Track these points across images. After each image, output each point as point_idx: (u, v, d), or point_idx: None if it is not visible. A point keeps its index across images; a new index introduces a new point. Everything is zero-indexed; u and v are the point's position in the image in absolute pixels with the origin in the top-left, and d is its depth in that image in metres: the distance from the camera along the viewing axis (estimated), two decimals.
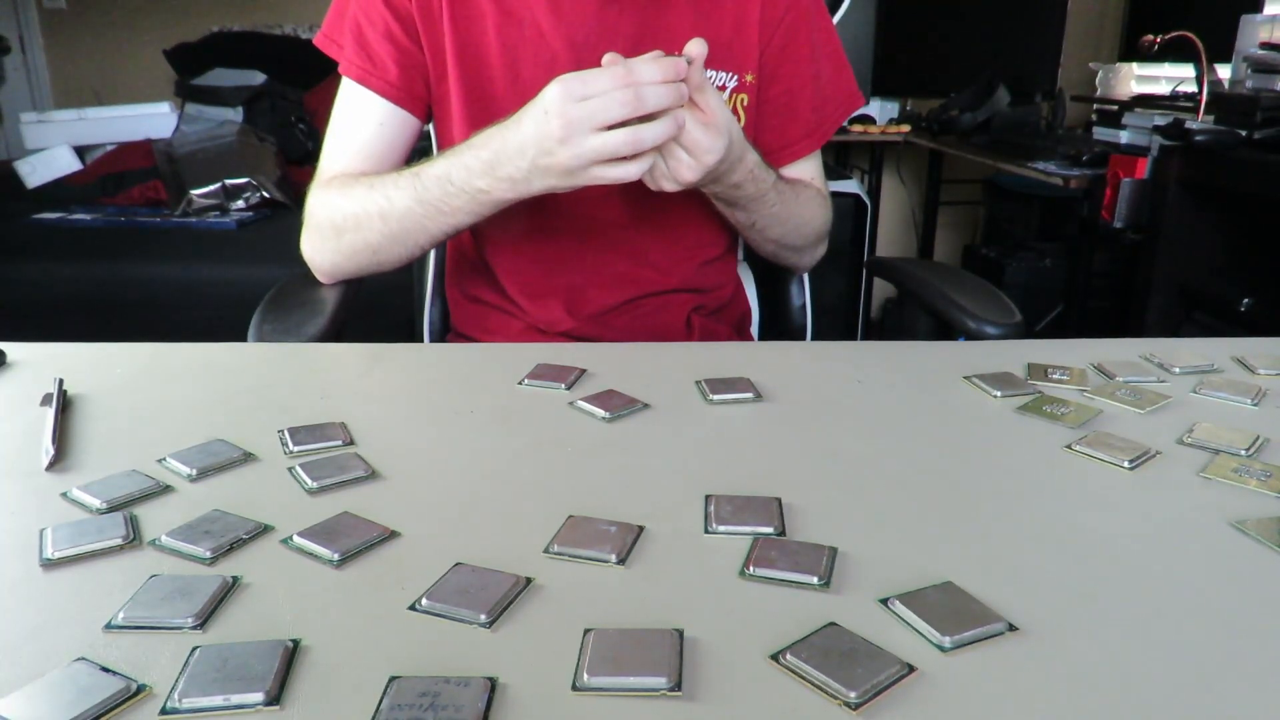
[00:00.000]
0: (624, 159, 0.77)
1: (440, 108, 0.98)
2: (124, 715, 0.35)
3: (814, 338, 1.21)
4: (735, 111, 0.99)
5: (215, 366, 0.74)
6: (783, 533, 0.49)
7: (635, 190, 0.87)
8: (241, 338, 0.84)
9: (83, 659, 0.38)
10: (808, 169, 1.06)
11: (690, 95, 0.79)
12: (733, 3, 0.97)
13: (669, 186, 0.83)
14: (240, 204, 2.51)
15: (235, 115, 2.85)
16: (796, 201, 0.99)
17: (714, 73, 0.97)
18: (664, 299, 1.03)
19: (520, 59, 0.94)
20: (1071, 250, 2.61)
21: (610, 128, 0.75)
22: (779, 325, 1.22)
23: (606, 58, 0.77)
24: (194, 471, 0.55)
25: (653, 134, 0.76)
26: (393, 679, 0.37)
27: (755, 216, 0.96)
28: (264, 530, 0.48)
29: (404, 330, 1.25)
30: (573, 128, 0.75)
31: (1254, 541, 0.49)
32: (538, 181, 0.80)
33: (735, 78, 0.98)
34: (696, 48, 0.79)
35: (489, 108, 0.84)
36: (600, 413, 0.65)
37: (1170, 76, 2.62)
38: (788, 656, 0.38)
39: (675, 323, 1.04)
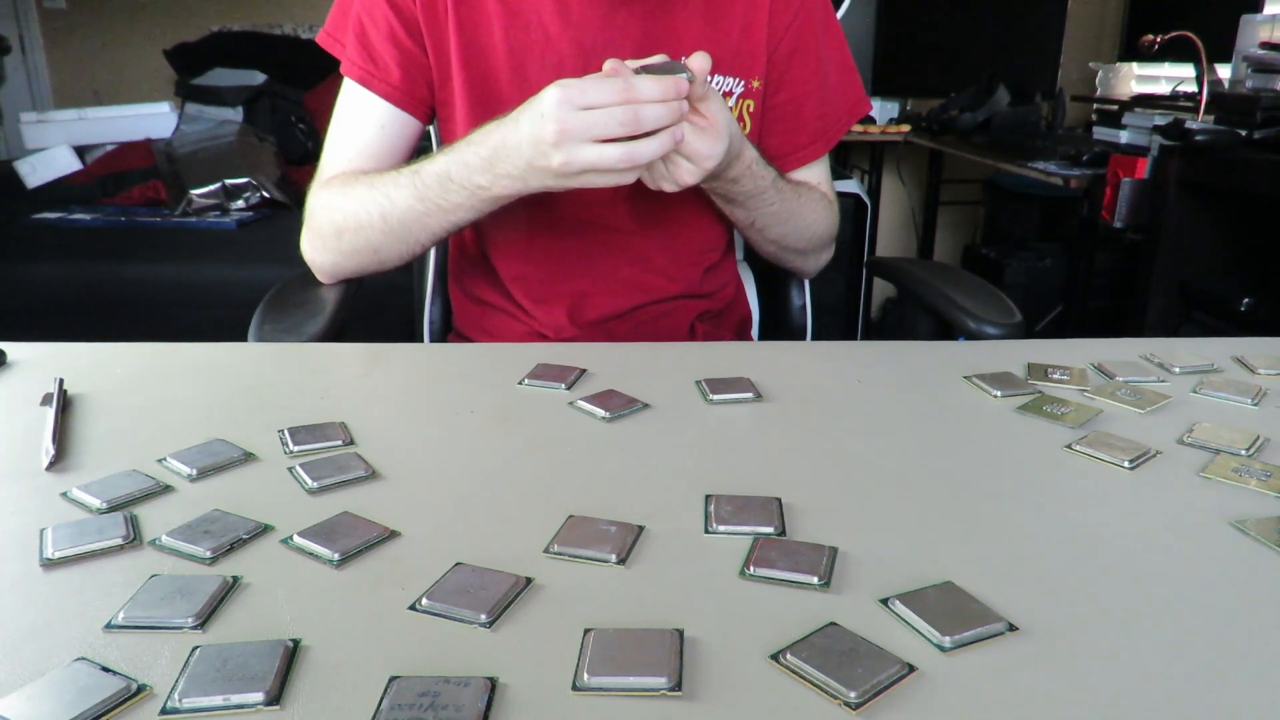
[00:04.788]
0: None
1: (444, 110, 0.98)
2: (124, 715, 0.35)
3: (814, 338, 1.21)
4: (741, 118, 0.99)
5: (215, 366, 0.74)
6: (783, 533, 0.49)
7: (640, 195, 0.87)
8: (241, 338, 0.84)
9: (83, 659, 0.38)
10: (814, 174, 1.06)
11: (692, 104, 0.79)
12: (741, 8, 0.97)
13: (669, 187, 0.83)
14: (240, 204, 2.51)
15: (235, 115, 2.85)
16: (798, 201, 0.99)
17: (720, 78, 0.97)
18: (669, 305, 1.03)
19: (527, 62, 0.93)
20: (1071, 250, 2.61)
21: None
22: (779, 326, 1.22)
23: (608, 64, 0.77)
24: (194, 471, 0.55)
25: (648, 150, 0.76)
26: (393, 679, 0.37)
27: (755, 214, 0.96)
28: (264, 530, 0.48)
29: (404, 330, 1.25)
30: (568, 135, 0.75)
31: (1254, 541, 0.49)
32: (534, 180, 0.80)
33: (742, 83, 0.98)
34: (700, 62, 0.79)
35: (494, 111, 0.84)
36: (600, 413, 0.65)
37: (1170, 76, 2.62)
38: (788, 656, 0.38)
39: (679, 330, 1.04)
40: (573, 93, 0.74)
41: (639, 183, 0.83)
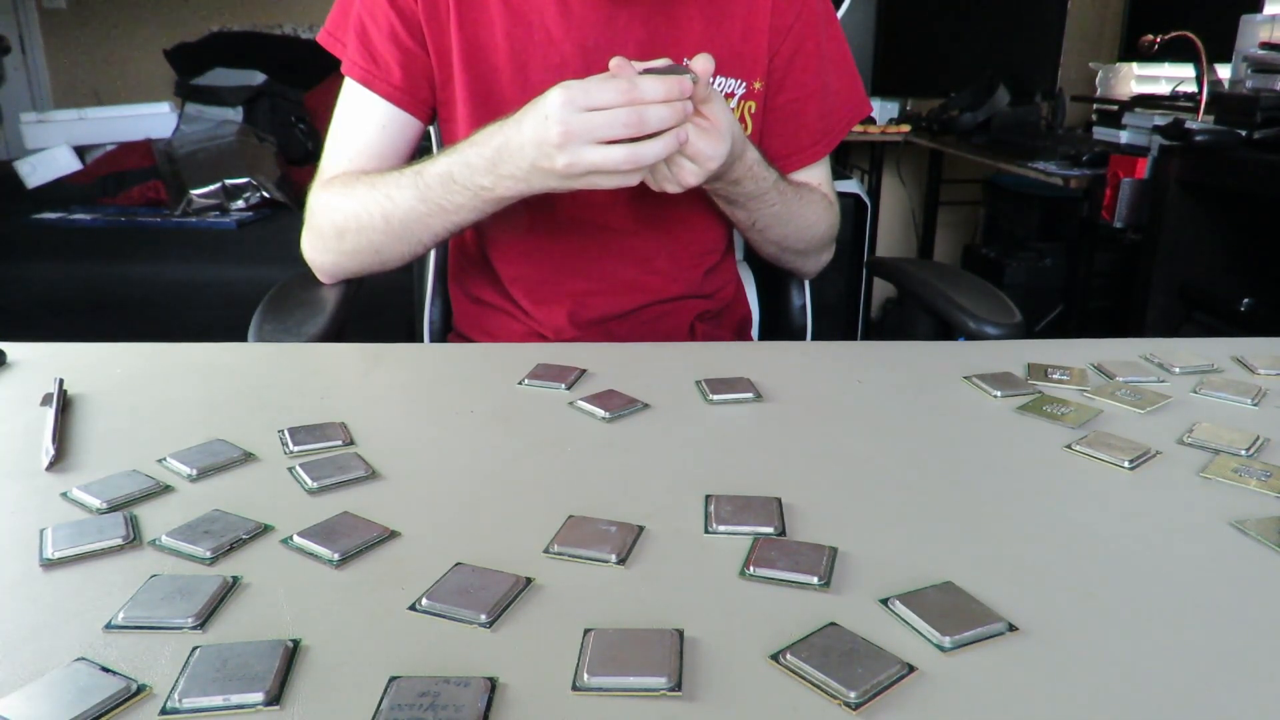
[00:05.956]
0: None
1: (445, 110, 0.97)
2: (124, 715, 0.35)
3: (814, 338, 1.21)
4: (742, 119, 0.99)
5: (215, 366, 0.74)
6: (783, 533, 0.49)
7: (641, 196, 0.87)
8: (241, 338, 0.84)
9: (83, 659, 0.38)
10: (815, 175, 1.06)
11: (695, 106, 0.79)
12: (742, 10, 0.97)
13: (672, 189, 0.83)
14: (240, 204, 2.51)
15: (235, 115, 2.85)
16: (799, 202, 0.99)
17: (722, 79, 0.97)
18: (669, 306, 1.03)
19: (529, 62, 0.93)
20: (1071, 250, 2.61)
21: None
22: (779, 326, 1.22)
23: (614, 62, 0.77)
24: (194, 471, 0.55)
25: (652, 152, 0.76)
26: (393, 679, 0.37)
27: (756, 215, 0.96)
28: (264, 530, 0.48)
29: (404, 330, 1.25)
30: (571, 137, 0.75)
31: (1254, 541, 0.49)
32: (538, 181, 0.80)
33: (743, 85, 0.98)
34: (703, 64, 0.79)
35: (496, 111, 0.84)
36: (600, 413, 0.65)
37: (1170, 76, 2.62)
38: (788, 656, 0.38)
39: (679, 330, 1.05)
40: (577, 94, 0.74)
41: (640, 183, 0.83)
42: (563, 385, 0.70)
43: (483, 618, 0.41)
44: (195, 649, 0.38)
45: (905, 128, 3.01)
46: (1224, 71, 2.24)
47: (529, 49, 0.93)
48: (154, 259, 2.31)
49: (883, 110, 3.18)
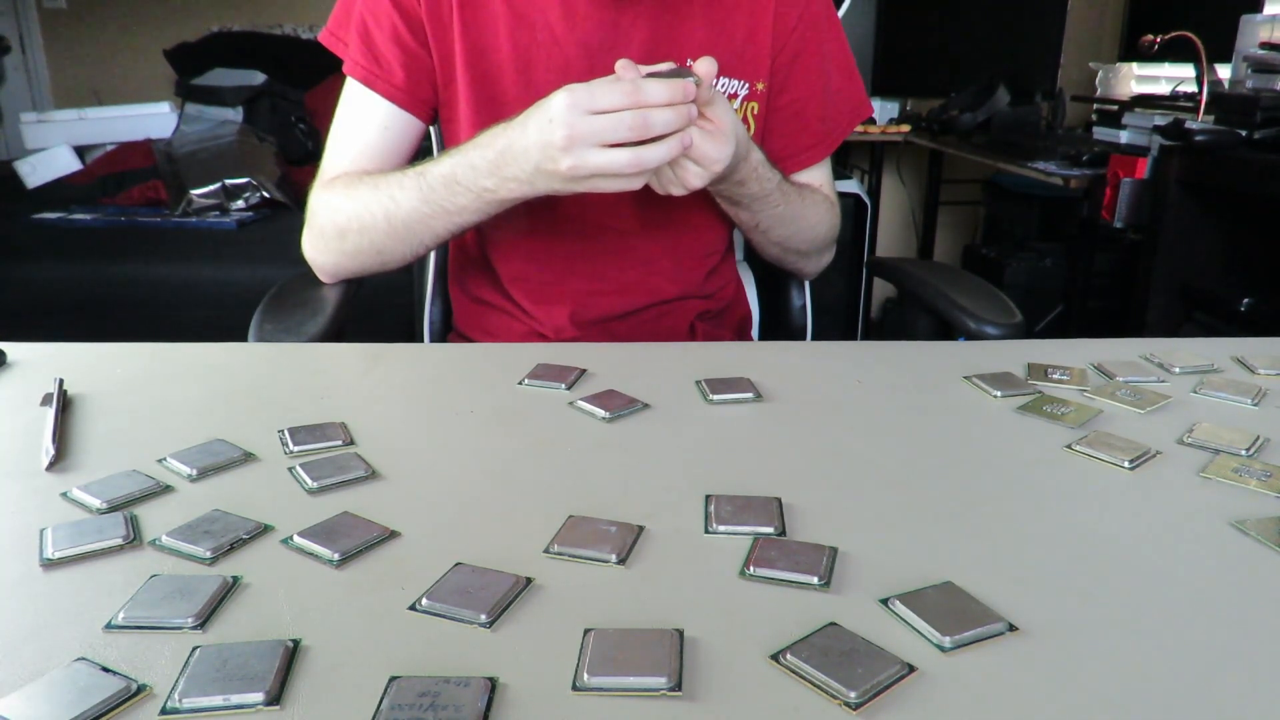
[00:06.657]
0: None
1: (447, 110, 0.97)
2: (124, 715, 0.35)
3: (814, 338, 1.21)
4: (745, 120, 0.99)
5: (215, 366, 0.74)
6: (783, 533, 0.49)
7: (645, 197, 0.87)
8: (241, 338, 0.84)
9: (83, 659, 0.38)
10: (816, 176, 1.06)
11: (698, 108, 0.79)
12: (745, 11, 0.97)
13: (677, 192, 0.83)
14: (240, 204, 2.51)
15: (235, 115, 2.85)
16: (802, 203, 0.99)
17: (725, 80, 0.97)
18: (670, 306, 1.03)
19: (533, 63, 0.93)
20: (1071, 250, 2.61)
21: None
22: (779, 326, 1.22)
23: (620, 64, 0.77)
24: (194, 471, 0.55)
25: (656, 156, 0.76)
26: (393, 679, 0.37)
27: (760, 216, 0.96)
28: (264, 530, 0.48)
29: (404, 330, 1.25)
30: (576, 140, 0.75)
31: (1254, 541, 0.49)
32: (541, 184, 0.80)
33: (746, 86, 0.98)
34: (706, 67, 0.79)
35: (499, 112, 0.83)
36: (600, 413, 0.65)
37: (1170, 76, 2.62)
38: (788, 656, 0.38)
39: (679, 330, 1.05)
40: (581, 97, 0.74)
41: (644, 184, 0.83)
42: (563, 385, 0.70)
43: (483, 618, 0.41)
44: (195, 649, 0.38)
45: (905, 128, 3.01)
46: (1224, 71, 2.24)
47: (532, 50, 0.93)
48: (154, 259, 2.31)
49: (883, 110, 3.18)
